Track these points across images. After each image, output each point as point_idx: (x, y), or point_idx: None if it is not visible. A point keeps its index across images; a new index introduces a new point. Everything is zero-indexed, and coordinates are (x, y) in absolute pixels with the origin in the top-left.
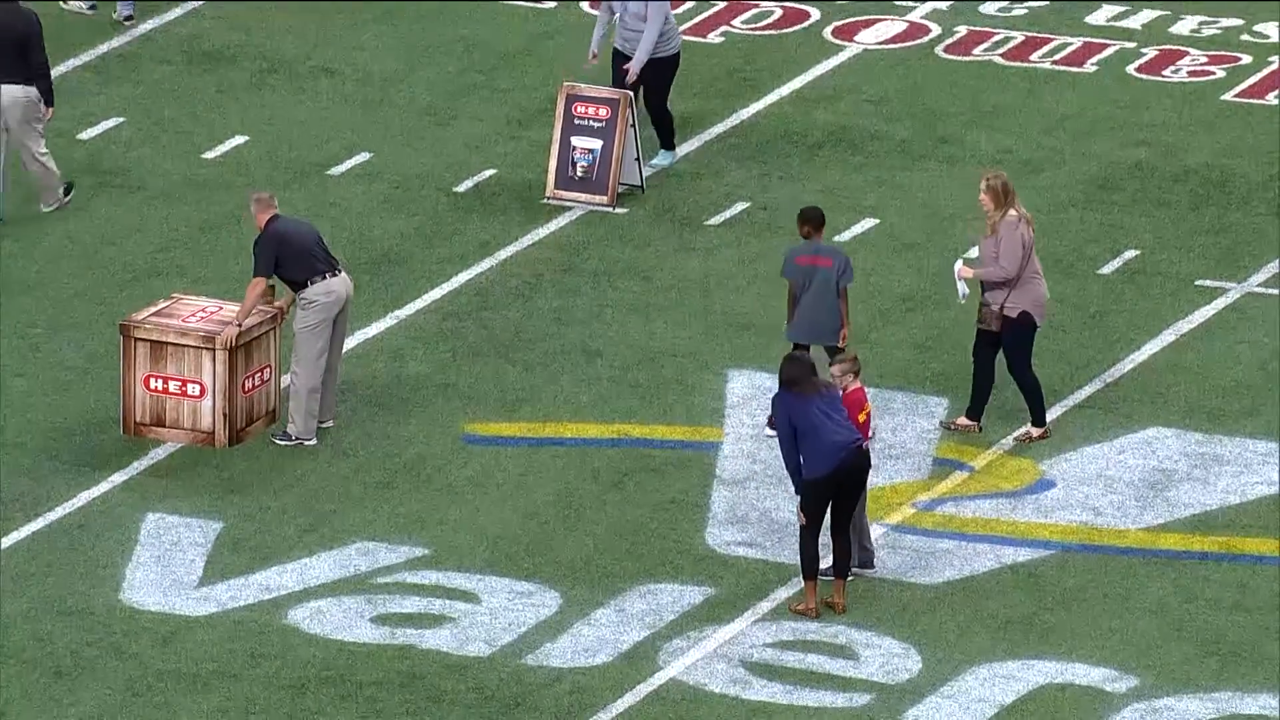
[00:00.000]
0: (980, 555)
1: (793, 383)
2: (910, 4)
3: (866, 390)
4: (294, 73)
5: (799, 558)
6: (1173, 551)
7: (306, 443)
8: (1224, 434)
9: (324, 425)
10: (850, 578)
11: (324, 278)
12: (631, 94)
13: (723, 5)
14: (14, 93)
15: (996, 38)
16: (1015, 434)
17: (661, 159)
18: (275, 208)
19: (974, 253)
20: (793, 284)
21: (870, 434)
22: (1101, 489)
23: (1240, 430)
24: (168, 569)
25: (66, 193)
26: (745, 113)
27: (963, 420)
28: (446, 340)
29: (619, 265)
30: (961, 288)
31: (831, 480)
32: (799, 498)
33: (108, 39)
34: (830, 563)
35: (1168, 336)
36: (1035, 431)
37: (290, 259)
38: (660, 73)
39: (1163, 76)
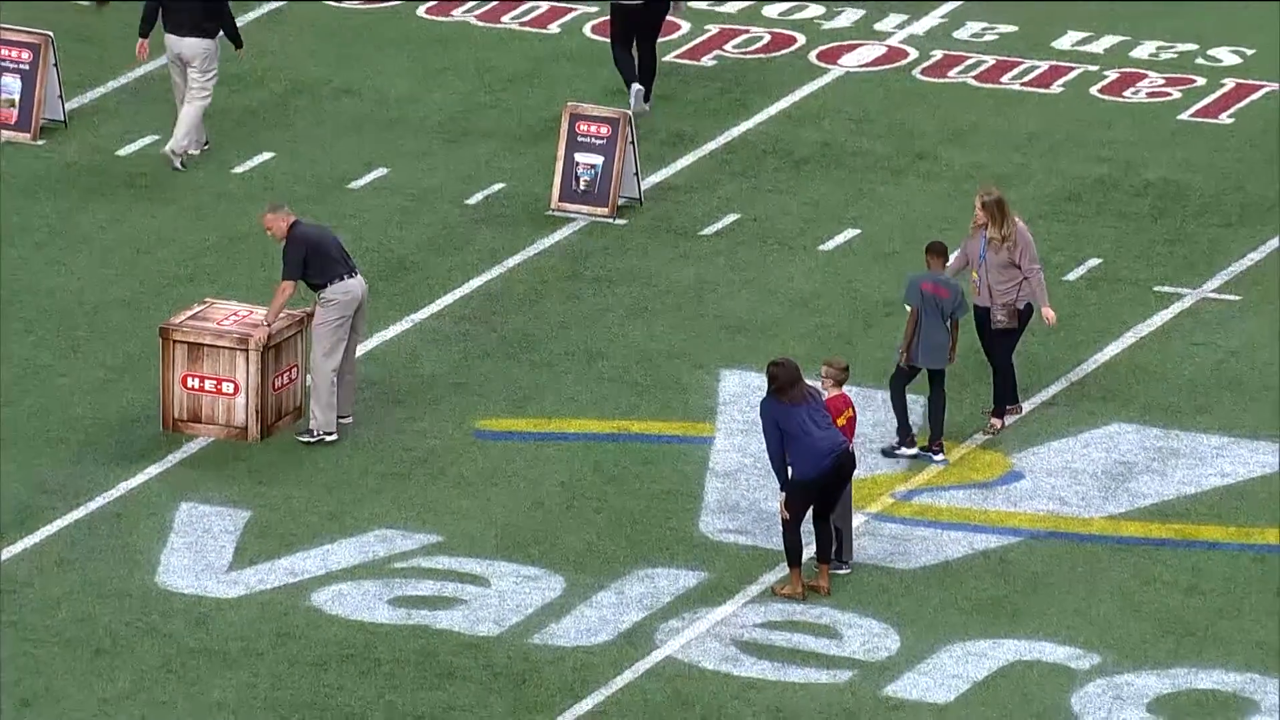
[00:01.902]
0: (954, 542)
1: (780, 390)
2: (890, 30)
3: (849, 394)
4: (317, 94)
5: (784, 547)
6: (1133, 538)
7: (328, 438)
8: (1180, 429)
9: (343, 420)
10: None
11: (342, 279)
12: (631, 114)
13: (715, 31)
14: (194, 44)
15: (970, 61)
16: (983, 428)
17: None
18: (292, 213)
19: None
20: (915, 309)
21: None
22: (1067, 480)
23: (1195, 426)
24: (200, 554)
25: (200, 148)
26: (736, 130)
27: (997, 421)
28: (459, 342)
29: (619, 272)
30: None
31: (819, 482)
32: (783, 494)
33: (143, 63)
34: (814, 550)
35: (1128, 339)
36: (997, 423)
37: (315, 263)
38: (658, 15)
39: (1124, 97)
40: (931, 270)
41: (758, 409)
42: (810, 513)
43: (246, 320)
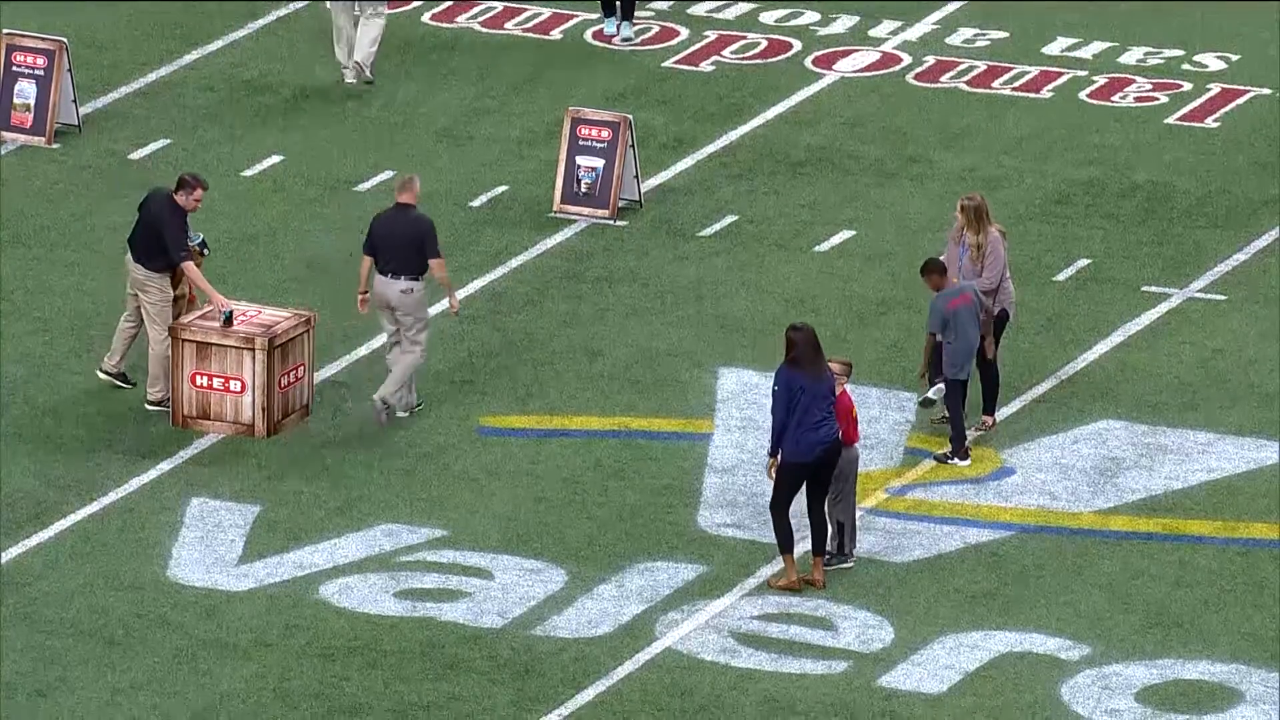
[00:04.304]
0: (947, 536)
1: (796, 363)
2: (884, 36)
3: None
4: (325, 98)
5: (774, 533)
6: (1121, 532)
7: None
8: (1167, 426)
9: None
10: (841, 566)
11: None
12: (631, 118)
13: (714, 37)
14: None
15: (961, 66)
16: (975, 425)
17: (626, 29)
18: (412, 192)
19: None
20: (931, 336)
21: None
22: (1057, 476)
23: (1182, 422)
24: (210, 548)
25: (368, 83)
26: (734, 134)
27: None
28: (464, 341)
29: (619, 273)
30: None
31: (808, 467)
32: (771, 459)
33: (155, 69)
34: (809, 543)
35: (1117, 338)
36: (988, 420)
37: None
38: None
39: (1112, 102)
40: (942, 288)
41: (756, 404)
42: (806, 504)
43: (254, 320)
